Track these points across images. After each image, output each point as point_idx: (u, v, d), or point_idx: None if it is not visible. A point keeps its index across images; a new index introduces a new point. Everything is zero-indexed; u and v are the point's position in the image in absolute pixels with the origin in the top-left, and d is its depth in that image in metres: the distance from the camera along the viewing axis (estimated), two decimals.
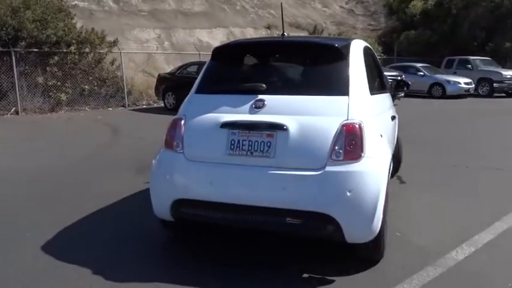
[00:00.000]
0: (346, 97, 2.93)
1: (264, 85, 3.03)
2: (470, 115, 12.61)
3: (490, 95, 19.30)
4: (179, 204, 3.04)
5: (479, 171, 5.84)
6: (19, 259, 3.19)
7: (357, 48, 3.31)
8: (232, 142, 2.92)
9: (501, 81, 19.22)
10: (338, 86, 3.00)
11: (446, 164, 6.25)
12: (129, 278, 2.88)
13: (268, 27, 25.89)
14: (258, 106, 2.96)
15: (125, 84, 14.48)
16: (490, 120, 11.42)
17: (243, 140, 2.89)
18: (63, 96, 13.06)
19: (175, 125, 3.15)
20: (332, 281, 2.83)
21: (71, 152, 7.29)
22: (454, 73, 20.49)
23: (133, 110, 13.96)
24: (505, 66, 21.71)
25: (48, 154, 7.12)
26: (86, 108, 13.62)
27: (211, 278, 2.88)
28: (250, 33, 24.42)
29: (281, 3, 3.64)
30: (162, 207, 3.14)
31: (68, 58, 13.32)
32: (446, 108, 14.32)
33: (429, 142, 8.02)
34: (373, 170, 2.76)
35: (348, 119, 2.82)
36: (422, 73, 19.64)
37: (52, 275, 2.95)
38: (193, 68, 13.91)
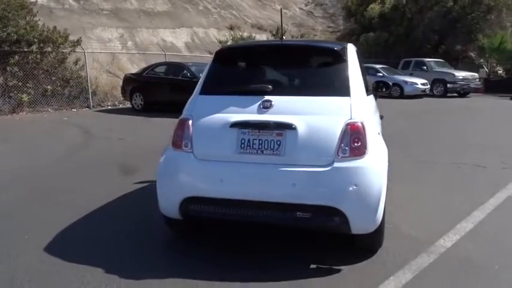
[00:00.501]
0: (348, 98, 3.13)
1: (270, 86, 3.18)
2: (428, 114, 13.30)
3: (443, 95, 20.38)
4: (189, 202, 3.12)
5: (448, 166, 6.24)
6: (25, 262, 3.17)
7: (352, 52, 3.52)
8: (243, 141, 3.04)
9: (454, 82, 20.35)
10: (339, 88, 3.19)
11: (416, 160, 6.63)
12: (142, 275, 2.94)
13: (231, 28, 26.00)
14: (266, 106, 3.10)
15: (89, 85, 14.15)
16: (447, 118, 12.12)
17: (253, 139, 3.02)
18: (25, 97, 12.61)
19: (182, 125, 3.23)
20: (339, 270, 3.02)
21: (45, 154, 7.12)
22: (411, 74, 21.45)
23: (99, 111, 13.68)
24: (456, 67, 22.94)
25: (23, 156, 6.93)
26: (49, 110, 13.21)
27: (225, 270, 2.99)
28: (214, 34, 24.45)
29: (280, 8, 3.79)
30: (170, 205, 3.21)
31: (30, 57, 12.87)
32: (404, 108, 14.97)
33: (396, 140, 8.43)
34: (375, 165, 2.98)
35: (351, 118, 3.02)
36: (381, 74, 20.39)
37: (63, 275, 2.95)
38: (161, 69, 13.84)
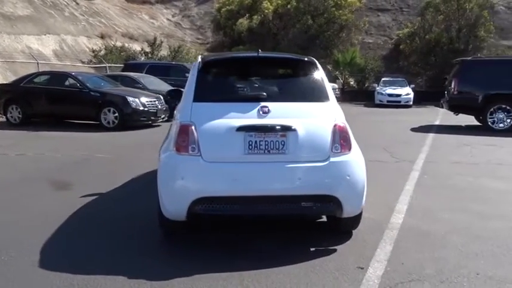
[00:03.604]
0: (328, 102, 3.70)
1: (265, 93, 3.56)
2: None
3: None
4: (199, 203, 3.30)
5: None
6: (23, 277, 2.97)
7: (318, 63, 4.09)
8: (250, 143, 3.35)
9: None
10: (320, 94, 3.73)
11: None
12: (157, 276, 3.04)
13: (102, 37, 24.90)
14: (265, 111, 3.46)
15: None
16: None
17: (260, 141, 3.36)
18: None
19: (186, 131, 3.39)
20: (335, 250, 3.52)
21: None
22: None
23: None
24: None
25: None
26: None
27: (234, 263, 3.24)
28: (84, 42, 23.14)
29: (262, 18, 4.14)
30: (178, 207, 3.34)
31: None
32: None
33: None
34: (359, 158, 3.58)
35: (335, 120, 3.57)
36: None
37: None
38: (41, 79, 12.76)
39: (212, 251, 3.51)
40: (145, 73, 15.90)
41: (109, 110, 11.39)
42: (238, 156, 3.34)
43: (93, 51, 21.87)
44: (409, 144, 9.36)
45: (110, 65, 19.92)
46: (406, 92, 22.01)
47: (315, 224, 4.13)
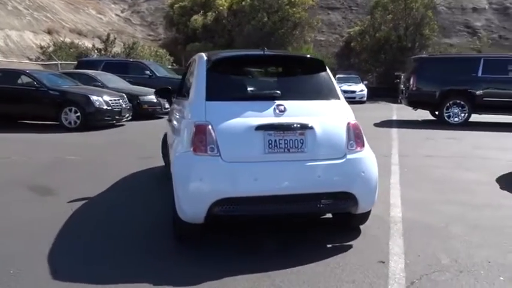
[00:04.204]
0: (339, 101, 3.74)
1: (279, 92, 3.54)
2: None
3: None
4: (219, 204, 3.24)
5: None
6: None
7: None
8: (270, 142, 3.33)
9: None
10: (331, 92, 3.77)
11: None
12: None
13: (49, 32, 23.65)
14: (281, 110, 3.45)
15: None
16: None
17: (279, 140, 3.34)
18: None
19: (203, 131, 3.30)
20: (350, 246, 3.58)
21: None
22: None
23: None
24: None
25: None
26: None
27: (254, 264, 3.22)
28: (30, 38, 21.89)
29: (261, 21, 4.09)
30: (197, 210, 3.26)
31: None
32: None
33: None
34: (372, 155, 3.66)
35: (348, 118, 3.63)
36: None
37: None
38: None
39: (231, 252, 3.46)
40: (101, 71, 15.33)
41: (70, 110, 10.86)
42: (258, 156, 3.31)
43: (41, 47, 20.73)
44: (379, 140, 9.63)
45: (61, 62, 18.97)
46: (361, 88, 22.75)
47: (320, 220, 4.18)
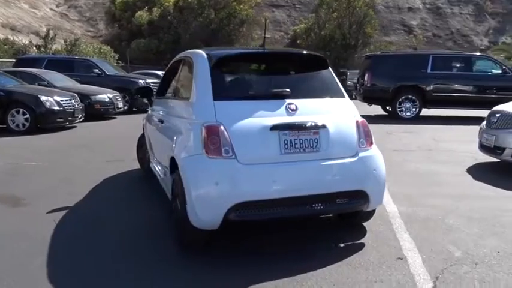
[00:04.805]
0: (344, 99, 3.71)
1: (288, 90, 3.43)
2: None
3: None
4: (236, 209, 3.09)
5: None
6: None
7: None
8: (285, 142, 3.22)
9: None
10: (337, 90, 3.73)
11: None
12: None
13: None
14: (292, 109, 3.35)
15: None
16: None
17: (294, 139, 3.24)
18: None
19: (216, 132, 3.13)
20: (363, 244, 3.57)
21: None
22: None
23: None
24: None
25: None
26: None
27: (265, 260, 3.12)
28: None
29: (265, 19, 3.96)
30: (213, 215, 3.09)
31: None
32: None
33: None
34: (379, 152, 3.66)
35: (355, 116, 3.60)
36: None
37: None
38: None
39: (243, 257, 3.32)
40: (44, 69, 14.38)
41: (18, 111, 10.05)
42: (274, 157, 3.19)
43: None
44: None
45: None
46: None
47: (320, 219, 4.14)
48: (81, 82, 14.32)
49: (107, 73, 15.56)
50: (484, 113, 13.65)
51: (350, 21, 28.82)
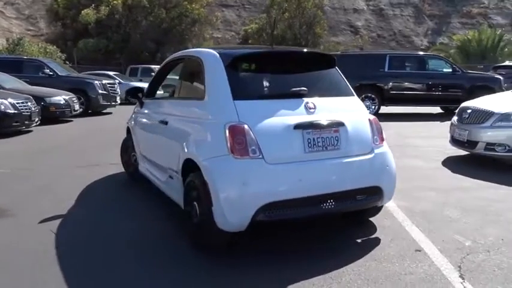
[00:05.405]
0: (354, 97, 3.79)
1: (306, 89, 3.44)
2: None
3: None
4: (265, 209, 3.06)
5: None
6: None
7: None
8: (309, 140, 3.23)
9: None
10: (347, 89, 3.80)
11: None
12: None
13: None
14: (311, 107, 3.37)
15: None
16: None
17: (317, 138, 3.26)
18: None
19: (241, 132, 3.08)
20: (378, 239, 3.66)
21: None
22: (140, 80, 22.24)
23: None
24: None
25: None
26: None
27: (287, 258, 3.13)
28: None
29: (274, 18, 3.92)
30: (242, 217, 3.05)
31: None
32: None
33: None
34: (388, 148, 3.76)
35: (367, 114, 3.69)
36: (118, 81, 20.36)
37: None
38: None
39: (267, 258, 3.28)
40: None
41: None
42: (299, 156, 3.20)
43: None
44: None
45: None
46: None
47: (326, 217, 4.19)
48: (30, 83, 13.50)
49: (59, 74, 14.81)
50: (433, 109, 14.60)
51: (300, 21, 29.40)
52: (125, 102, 18.96)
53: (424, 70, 13.48)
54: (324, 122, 3.32)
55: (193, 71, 3.97)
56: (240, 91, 3.33)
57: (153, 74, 22.81)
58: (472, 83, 13.22)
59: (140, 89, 4.96)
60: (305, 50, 4.28)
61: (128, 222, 4.16)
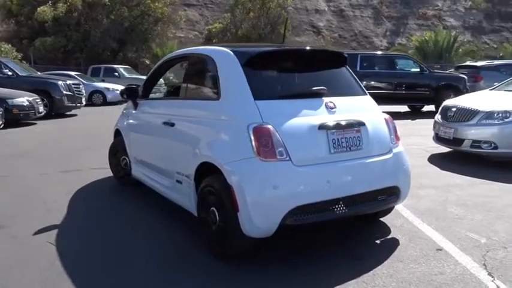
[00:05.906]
0: (367, 96, 3.75)
1: (325, 88, 3.36)
2: None
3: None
4: (294, 213, 2.95)
5: None
6: None
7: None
8: (334, 141, 3.15)
9: None
10: (360, 88, 3.76)
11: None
12: None
13: None
14: (331, 107, 3.30)
15: None
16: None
17: (341, 138, 3.19)
18: None
19: (267, 134, 2.96)
20: (397, 239, 3.63)
21: None
22: (103, 81, 21.52)
23: None
24: (143, 73, 24.61)
25: None
26: None
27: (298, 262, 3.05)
28: None
29: (286, 18, 3.80)
30: (271, 222, 2.93)
31: None
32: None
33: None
34: (403, 147, 3.75)
35: (382, 113, 3.66)
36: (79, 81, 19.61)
37: None
38: None
39: (290, 264, 3.18)
40: None
41: None
42: (325, 157, 3.12)
43: None
44: None
45: None
46: None
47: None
48: None
49: (19, 74, 14.05)
50: (401, 108, 14.98)
51: (265, 21, 29.43)
52: (89, 103, 18.45)
53: (394, 70, 13.79)
54: (348, 122, 3.26)
55: (202, 70, 3.80)
56: (260, 91, 3.21)
57: (116, 74, 22.39)
58: (438, 82, 13.67)
59: (135, 89, 4.71)
60: (320, 48, 4.20)
61: (130, 229, 3.94)
